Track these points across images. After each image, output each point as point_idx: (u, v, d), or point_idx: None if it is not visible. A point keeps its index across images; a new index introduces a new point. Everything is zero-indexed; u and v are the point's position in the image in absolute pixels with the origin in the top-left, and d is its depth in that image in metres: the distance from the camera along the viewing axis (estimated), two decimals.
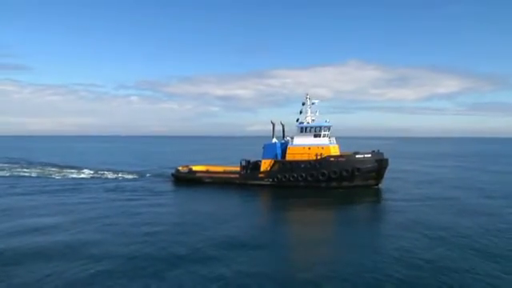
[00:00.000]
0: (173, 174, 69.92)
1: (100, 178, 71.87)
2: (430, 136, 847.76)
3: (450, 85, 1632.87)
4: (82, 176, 73.77)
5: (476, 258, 26.05)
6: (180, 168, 70.33)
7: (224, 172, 67.48)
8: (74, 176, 73.74)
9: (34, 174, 75.62)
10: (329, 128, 63.17)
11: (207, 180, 65.95)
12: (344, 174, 58.09)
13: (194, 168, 70.35)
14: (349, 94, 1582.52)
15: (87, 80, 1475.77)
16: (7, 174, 75.38)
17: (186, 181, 67.00)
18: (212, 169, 70.74)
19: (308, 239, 32.55)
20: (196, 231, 33.37)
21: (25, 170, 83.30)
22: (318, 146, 61.21)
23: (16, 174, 76.51)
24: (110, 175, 74.67)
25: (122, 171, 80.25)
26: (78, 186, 61.29)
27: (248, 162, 67.12)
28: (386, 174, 61.42)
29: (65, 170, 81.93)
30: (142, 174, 76.67)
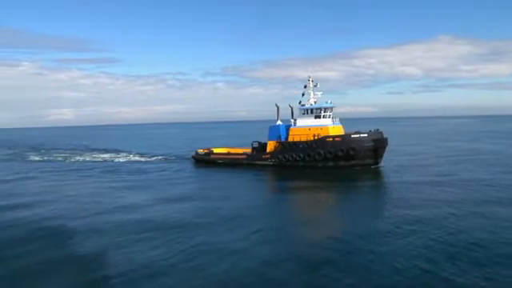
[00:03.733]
0: (193, 157, 76.28)
1: (135, 160, 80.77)
2: None
3: None
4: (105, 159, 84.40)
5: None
6: (200, 151, 76.35)
7: (236, 154, 72.18)
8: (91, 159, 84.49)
9: (60, 158, 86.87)
10: (331, 109, 64.50)
11: (219, 161, 71.18)
12: (339, 153, 59.44)
13: (215, 150, 75.99)
14: (439, 72, 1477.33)
15: (175, 69, 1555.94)
16: (45, 158, 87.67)
17: (203, 162, 72.91)
18: (232, 151, 75.86)
19: (292, 218, 34.56)
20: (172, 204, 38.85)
21: (59, 154, 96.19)
22: (317, 126, 63.03)
23: (47, 158, 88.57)
24: (144, 158, 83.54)
25: (156, 155, 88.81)
26: (88, 167, 70.65)
27: (259, 143, 70.99)
28: (414, 155, 61.42)
29: (102, 155, 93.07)
30: (172, 157, 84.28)
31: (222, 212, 34.32)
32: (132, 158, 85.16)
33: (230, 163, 69.69)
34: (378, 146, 59.96)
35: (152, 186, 49.99)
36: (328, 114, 64.17)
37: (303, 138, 63.26)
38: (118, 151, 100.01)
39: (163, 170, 64.42)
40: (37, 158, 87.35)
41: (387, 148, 61.40)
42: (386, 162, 62.52)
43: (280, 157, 64.16)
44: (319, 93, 66.12)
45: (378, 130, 62.73)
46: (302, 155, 61.93)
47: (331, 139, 60.83)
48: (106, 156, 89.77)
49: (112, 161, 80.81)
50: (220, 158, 71.84)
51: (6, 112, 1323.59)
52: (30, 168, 71.06)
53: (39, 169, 69.27)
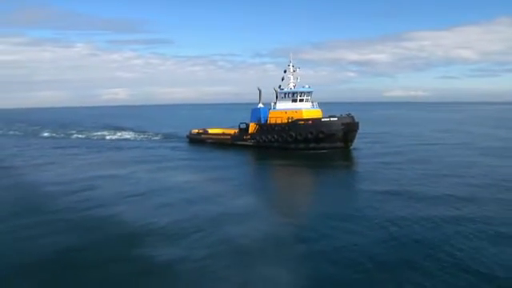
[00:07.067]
0: (187, 136, 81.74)
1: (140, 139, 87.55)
2: None
3: None
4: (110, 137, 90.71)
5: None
6: (194, 131, 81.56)
7: (223, 134, 76.74)
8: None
9: (62, 135, 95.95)
10: (309, 93, 67.15)
11: (208, 141, 76.13)
12: (309, 136, 62.28)
13: (210, 131, 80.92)
14: (497, 56, 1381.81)
15: (225, 50, 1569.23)
16: (54, 135, 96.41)
17: (195, 141, 78.20)
18: (226, 131, 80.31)
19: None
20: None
21: (71, 131, 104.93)
22: (292, 110, 65.94)
23: (56, 135, 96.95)
24: (143, 136, 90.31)
25: (159, 133, 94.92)
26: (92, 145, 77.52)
27: (246, 124, 74.91)
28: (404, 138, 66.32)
29: (108, 132, 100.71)
30: (172, 136, 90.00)
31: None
32: (135, 136, 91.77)
33: (217, 143, 74.43)
34: (348, 129, 62.14)
35: (119, 161, 55.36)
36: (305, 98, 66.83)
37: (279, 121, 66.54)
38: (131, 130, 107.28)
39: (137, 147, 70.51)
40: (47, 135, 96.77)
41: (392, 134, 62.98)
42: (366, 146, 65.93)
43: (258, 138, 67.92)
44: (298, 77, 69.09)
45: (349, 114, 64.77)
46: (275, 137, 65.36)
47: (303, 122, 63.65)
48: (112, 133, 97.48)
49: (109, 138, 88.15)
50: (209, 138, 76.74)
51: (62, 91, 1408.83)
52: (31, 143, 79.65)
53: (38, 144, 77.48)
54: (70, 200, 32.12)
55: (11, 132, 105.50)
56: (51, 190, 35.72)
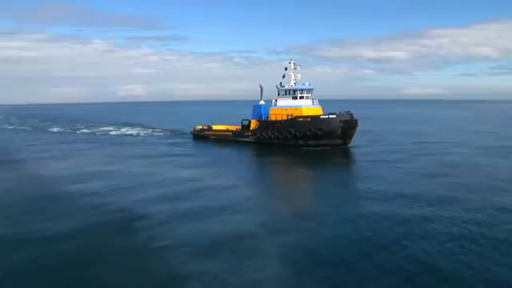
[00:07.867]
0: (191, 132, 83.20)
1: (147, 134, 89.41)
2: None
3: None
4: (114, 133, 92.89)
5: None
6: (198, 127, 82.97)
7: (226, 130, 77.95)
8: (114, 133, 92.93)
9: (69, 130, 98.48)
10: (309, 90, 67.85)
11: (212, 137, 77.44)
12: (308, 133, 62.99)
13: (214, 127, 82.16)
14: None
15: (241, 47, 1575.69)
16: (61, 130, 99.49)
17: (199, 137, 79.61)
18: (230, 128, 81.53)
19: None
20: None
21: (78, 127, 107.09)
22: (292, 107, 66.72)
23: (63, 130, 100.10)
24: (150, 132, 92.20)
25: (165, 129, 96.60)
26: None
27: (248, 121, 75.95)
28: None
29: (111, 128, 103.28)
30: (177, 132, 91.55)
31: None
32: (139, 131, 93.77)
33: (219, 139, 75.72)
34: (346, 127, 62.63)
35: (117, 155, 57.24)
36: (305, 95, 67.54)
37: (280, 118, 67.40)
38: (137, 125, 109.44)
39: (140, 143, 72.12)
40: (55, 130, 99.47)
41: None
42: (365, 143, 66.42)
43: (258, 134, 68.92)
44: (299, 75, 69.82)
45: (348, 111, 65.20)
46: (275, 133, 66.27)
47: (302, 119, 64.38)
48: (117, 129, 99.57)
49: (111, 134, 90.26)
50: (212, 134, 78.05)
51: (79, 87, 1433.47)
52: (39, 138, 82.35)
53: (45, 139, 79.68)
54: (62, 191, 33.70)
55: (21, 127, 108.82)
56: (47, 183, 37.43)
